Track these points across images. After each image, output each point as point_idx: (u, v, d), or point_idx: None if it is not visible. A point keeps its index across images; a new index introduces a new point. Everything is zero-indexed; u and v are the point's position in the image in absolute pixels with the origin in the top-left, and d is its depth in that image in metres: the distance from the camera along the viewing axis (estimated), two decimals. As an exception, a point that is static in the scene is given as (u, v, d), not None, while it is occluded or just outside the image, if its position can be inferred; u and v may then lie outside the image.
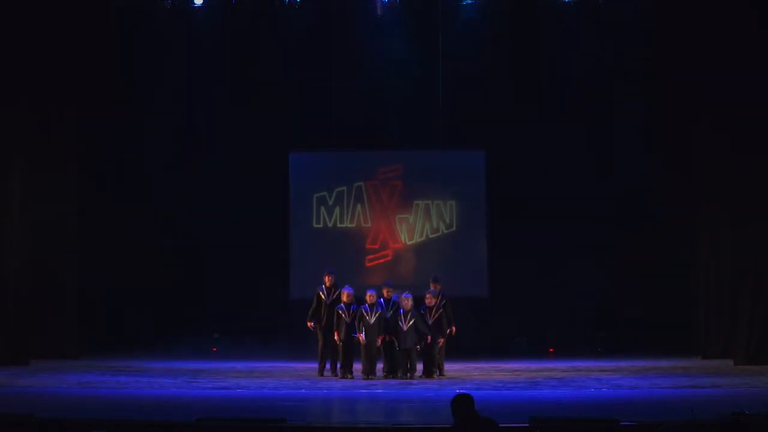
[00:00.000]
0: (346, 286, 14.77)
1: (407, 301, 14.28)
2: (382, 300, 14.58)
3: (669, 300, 18.04)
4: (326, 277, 15.02)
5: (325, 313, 14.83)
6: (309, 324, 14.96)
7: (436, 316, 14.51)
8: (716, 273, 16.65)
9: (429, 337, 14.25)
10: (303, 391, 13.12)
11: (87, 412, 10.67)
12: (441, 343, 14.58)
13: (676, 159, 17.78)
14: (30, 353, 16.14)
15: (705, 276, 16.91)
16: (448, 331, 14.71)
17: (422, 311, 14.45)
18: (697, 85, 16.86)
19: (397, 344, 14.22)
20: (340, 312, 14.49)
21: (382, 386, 13.51)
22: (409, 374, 14.20)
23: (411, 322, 14.19)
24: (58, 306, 17.03)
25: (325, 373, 14.74)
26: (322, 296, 14.94)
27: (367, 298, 14.39)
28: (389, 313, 14.38)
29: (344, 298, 14.56)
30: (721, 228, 16.51)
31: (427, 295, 14.63)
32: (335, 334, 14.47)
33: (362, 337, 14.30)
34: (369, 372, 14.22)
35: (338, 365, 14.60)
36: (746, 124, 16.02)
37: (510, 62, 18.63)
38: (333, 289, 14.90)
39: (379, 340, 14.27)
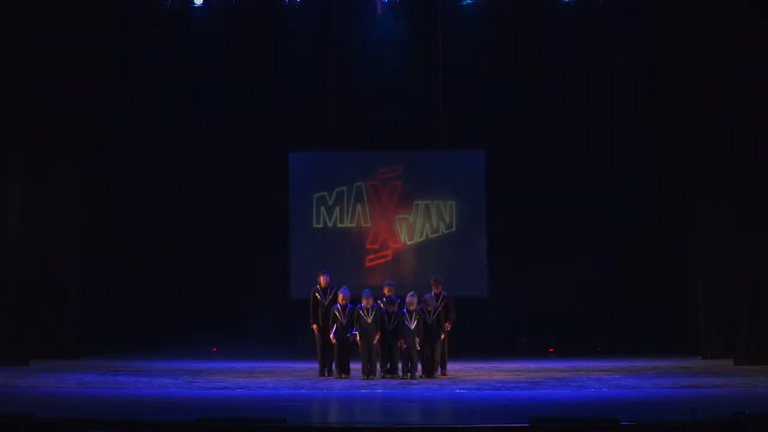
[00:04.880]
0: (343, 287, 14.73)
1: (412, 301, 14.27)
2: (384, 299, 14.56)
3: (669, 300, 18.05)
4: (321, 278, 14.99)
5: (322, 314, 14.80)
6: (314, 327, 14.88)
7: (435, 315, 14.50)
8: (716, 273, 16.65)
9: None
10: (303, 391, 13.11)
11: (87, 412, 10.67)
12: (443, 336, 14.62)
13: (677, 158, 17.80)
14: (30, 353, 16.14)
15: (705, 276, 16.92)
16: (446, 325, 14.69)
17: (421, 310, 14.41)
18: (698, 84, 16.90)
19: (404, 344, 14.20)
20: (336, 313, 14.48)
21: (381, 386, 13.50)
22: (409, 374, 14.18)
23: (416, 322, 14.19)
24: (58, 306, 17.03)
25: (325, 373, 14.72)
26: (318, 297, 14.90)
27: (363, 301, 14.34)
28: (392, 314, 14.33)
29: (340, 299, 14.54)
30: (721, 228, 16.51)
31: (425, 299, 14.54)
32: (330, 333, 14.49)
33: (357, 337, 14.32)
34: (368, 372, 14.21)
35: (333, 365, 14.59)
36: (747, 123, 16.02)
37: (510, 62, 18.62)
38: (328, 290, 14.86)
39: (377, 337, 14.24)
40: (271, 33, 18.84)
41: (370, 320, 14.24)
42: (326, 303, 14.76)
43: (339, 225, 19.07)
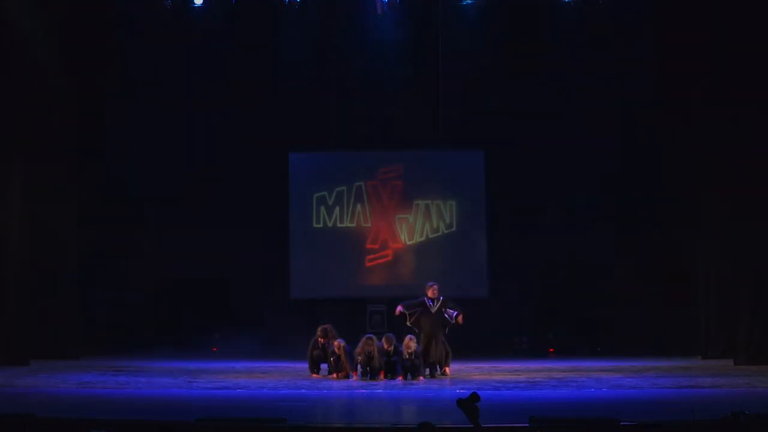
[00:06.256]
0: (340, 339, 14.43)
1: (411, 343, 14.16)
2: (427, 299, 14.52)
3: (669, 300, 18.05)
4: (336, 342, 14.42)
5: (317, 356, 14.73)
6: (313, 374, 14.65)
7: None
8: (716, 273, 16.65)
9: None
10: (303, 391, 13.10)
11: (87, 412, 10.65)
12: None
13: (677, 159, 17.78)
14: (30, 353, 16.14)
15: (705, 276, 16.91)
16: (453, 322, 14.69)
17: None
18: (698, 84, 16.87)
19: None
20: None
21: (382, 386, 13.50)
22: (410, 375, 14.15)
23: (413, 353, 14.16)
24: (58, 306, 17.02)
25: (321, 373, 14.70)
26: (318, 346, 14.66)
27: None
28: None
29: (336, 348, 14.28)
30: (721, 228, 16.51)
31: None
32: (335, 375, 14.38)
33: (357, 374, 14.31)
34: (368, 374, 14.17)
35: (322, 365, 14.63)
36: (748, 123, 16.01)
37: (510, 62, 18.62)
38: (327, 342, 14.59)
39: (381, 375, 14.20)
40: (271, 33, 18.83)
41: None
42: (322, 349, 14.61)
43: (339, 225, 19.08)
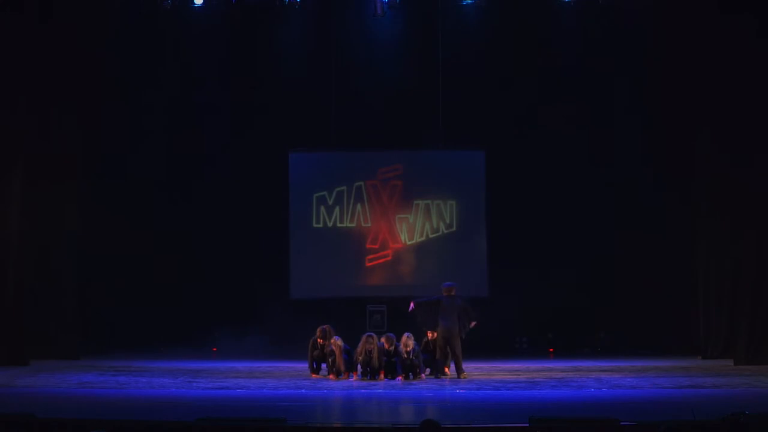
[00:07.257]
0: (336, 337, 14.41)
1: (409, 341, 14.13)
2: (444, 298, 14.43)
3: (669, 300, 18.05)
4: (334, 341, 14.36)
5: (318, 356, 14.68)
6: (313, 375, 14.61)
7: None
8: (716, 273, 16.64)
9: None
10: (303, 391, 13.10)
11: (87, 412, 10.67)
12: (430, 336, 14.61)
13: (677, 158, 17.77)
14: (30, 353, 16.14)
15: (705, 276, 16.90)
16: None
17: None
18: (700, 86, 16.86)
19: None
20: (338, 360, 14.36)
21: (382, 386, 13.50)
22: (411, 375, 14.15)
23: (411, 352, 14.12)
24: (57, 306, 17.02)
25: (321, 373, 14.69)
26: (317, 349, 14.59)
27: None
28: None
29: (335, 346, 14.32)
30: (721, 228, 16.50)
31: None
32: (331, 376, 14.36)
33: (357, 374, 14.32)
34: (368, 374, 14.17)
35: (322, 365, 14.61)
36: (749, 124, 16.00)
37: (510, 62, 18.64)
38: (327, 344, 14.58)
39: (381, 375, 14.20)
40: (271, 33, 18.85)
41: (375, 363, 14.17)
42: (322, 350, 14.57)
43: (339, 225, 19.08)
